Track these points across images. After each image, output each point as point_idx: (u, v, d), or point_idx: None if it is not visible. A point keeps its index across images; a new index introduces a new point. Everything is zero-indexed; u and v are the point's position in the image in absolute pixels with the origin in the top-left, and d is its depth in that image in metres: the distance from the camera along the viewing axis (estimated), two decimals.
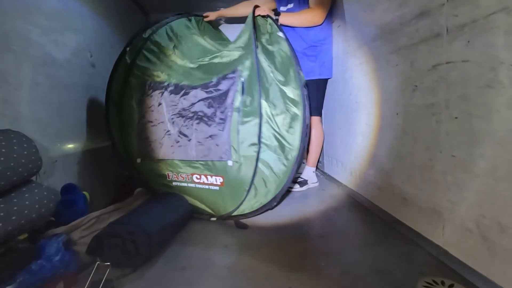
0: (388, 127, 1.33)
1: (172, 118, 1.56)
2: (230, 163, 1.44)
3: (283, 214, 1.56)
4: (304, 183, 1.97)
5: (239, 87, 1.45)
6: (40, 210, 1.06)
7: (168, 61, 1.70)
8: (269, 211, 1.57)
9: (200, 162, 1.51)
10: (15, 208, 0.97)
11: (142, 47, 1.72)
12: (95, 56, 1.82)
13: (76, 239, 1.14)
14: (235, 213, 1.48)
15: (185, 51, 1.78)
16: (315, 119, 2.00)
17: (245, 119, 1.44)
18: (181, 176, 1.55)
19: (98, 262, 1.00)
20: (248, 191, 1.44)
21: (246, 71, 1.47)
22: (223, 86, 1.48)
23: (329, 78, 2.02)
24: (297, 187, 1.94)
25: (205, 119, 1.49)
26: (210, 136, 1.47)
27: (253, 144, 1.43)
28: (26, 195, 1.04)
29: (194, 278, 1.02)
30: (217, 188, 1.49)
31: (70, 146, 1.57)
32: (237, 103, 1.44)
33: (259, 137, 1.42)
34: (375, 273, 0.98)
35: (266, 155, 1.44)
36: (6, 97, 1.16)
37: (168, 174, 1.58)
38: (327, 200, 1.73)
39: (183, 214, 1.43)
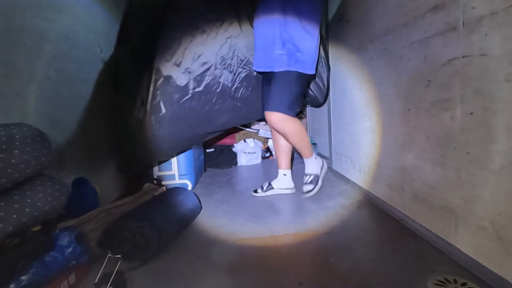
0: (399, 123, 1.31)
1: None
2: None
3: (290, 210, 1.55)
4: (315, 179, 1.78)
5: None
6: (53, 203, 1.07)
7: None
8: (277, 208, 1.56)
9: None
10: (29, 200, 0.99)
11: None
12: (105, 51, 1.83)
13: (87, 231, 1.16)
14: None
15: None
16: (276, 116, 1.60)
17: None
18: None
19: (109, 255, 1.01)
20: None
21: None
22: None
23: (304, 74, 1.65)
24: (310, 188, 1.74)
25: None
26: None
27: None
28: (39, 187, 1.05)
29: (203, 272, 1.02)
30: None
31: (81, 140, 1.59)
32: None
33: None
34: (385, 270, 0.97)
35: None
36: (19, 91, 1.18)
37: None
38: (336, 197, 1.72)
39: (192, 208, 1.44)
